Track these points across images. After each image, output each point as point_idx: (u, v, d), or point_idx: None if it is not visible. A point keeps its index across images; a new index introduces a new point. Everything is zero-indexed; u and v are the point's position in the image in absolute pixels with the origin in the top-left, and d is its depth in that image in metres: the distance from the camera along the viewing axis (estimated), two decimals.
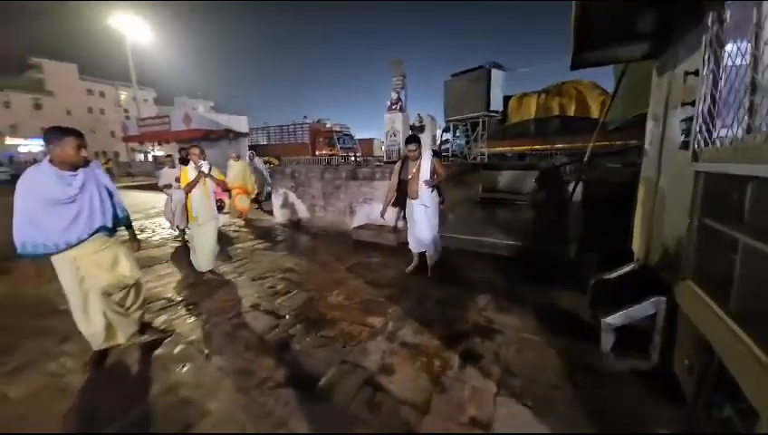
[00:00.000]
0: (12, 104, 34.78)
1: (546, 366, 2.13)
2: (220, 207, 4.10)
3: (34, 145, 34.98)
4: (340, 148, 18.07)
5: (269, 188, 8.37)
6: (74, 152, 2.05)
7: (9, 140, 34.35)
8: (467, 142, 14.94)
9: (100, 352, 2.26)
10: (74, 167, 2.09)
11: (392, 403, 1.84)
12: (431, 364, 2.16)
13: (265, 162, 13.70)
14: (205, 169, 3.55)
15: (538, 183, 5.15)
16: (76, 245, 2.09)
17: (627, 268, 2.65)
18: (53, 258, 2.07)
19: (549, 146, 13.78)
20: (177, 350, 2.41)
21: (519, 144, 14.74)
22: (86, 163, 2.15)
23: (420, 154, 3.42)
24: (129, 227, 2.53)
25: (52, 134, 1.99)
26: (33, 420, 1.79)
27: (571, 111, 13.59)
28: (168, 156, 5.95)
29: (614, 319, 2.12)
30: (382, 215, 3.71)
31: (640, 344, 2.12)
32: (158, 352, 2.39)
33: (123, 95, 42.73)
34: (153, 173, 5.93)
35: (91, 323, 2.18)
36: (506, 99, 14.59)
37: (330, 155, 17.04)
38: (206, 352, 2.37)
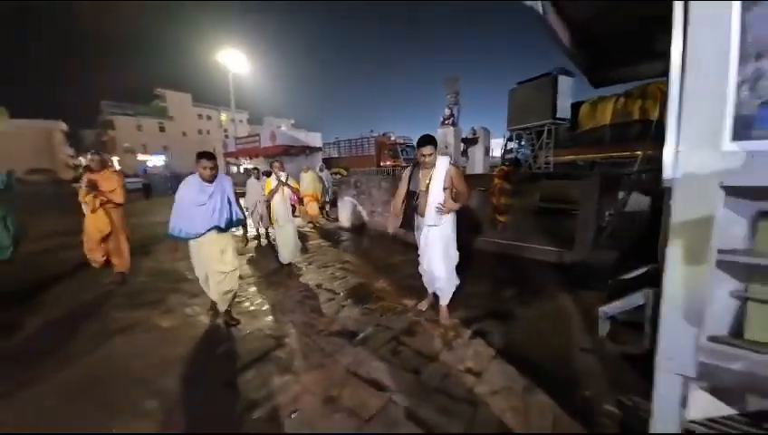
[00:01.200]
0: (143, 127, 43.45)
1: (546, 344, 2.51)
2: (293, 210, 4.63)
3: (158, 160, 43.06)
4: (403, 159, 18.96)
5: (332, 196, 9.54)
6: (206, 170, 2.76)
7: (141, 157, 42.90)
8: (533, 151, 14.63)
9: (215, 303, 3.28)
10: (210, 179, 2.82)
11: (410, 353, 2.45)
12: (446, 334, 2.71)
13: (334, 173, 15.20)
14: (283, 178, 4.24)
15: (596, 192, 4.96)
16: (201, 235, 2.81)
17: (644, 269, 2.84)
18: (189, 242, 2.88)
19: (628, 153, 12.84)
20: (264, 307, 3.34)
21: (591, 152, 13.93)
22: (215, 177, 2.85)
23: (435, 162, 2.72)
24: (243, 227, 3.38)
25: (198, 156, 2.79)
26: (176, 340, 2.79)
27: (655, 115, 12.53)
28: (255, 168, 7.27)
29: (608, 308, 2.42)
30: (390, 231, 3.06)
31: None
32: (252, 307, 3.35)
33: (224, 117, 50.21)
34: (243, 183, 7.29)
35: (209, 288, 3.10)
36: (576, 105, 13.97)
37: (393, 166, 18.01)
38: (282, 311, 3.26)
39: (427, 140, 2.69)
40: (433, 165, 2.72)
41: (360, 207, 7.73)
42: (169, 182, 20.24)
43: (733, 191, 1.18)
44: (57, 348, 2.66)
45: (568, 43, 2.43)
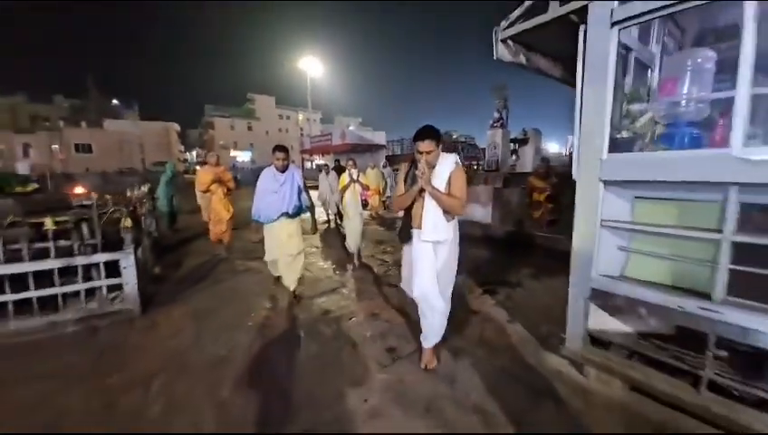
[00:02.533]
0: (235, 127, 49.91)
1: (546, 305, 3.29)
2: (365, 205, 4.93)
3: (246, 156, 49.20)
4: (464, 157, 19.33)
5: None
6: (279, 161, 3.05)
7: (232, 153, 49.45)
8: None
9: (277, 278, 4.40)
10: (282, 169, 3.10)
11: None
12: (462, 289, 3.62)
13: (395, 170, 16.40)
14: (354, 176, 4.67)
15: None
16: (274, 221, 3.15)
17: None
18: (264, 226, 3.25)
19: None
20: (334, 278, 4.60)
21: None
22: (286, 168, 3.17)
23: (435, 161, 2.09)
24: (311, 214, 3.51)
25: (273, 149, 3.14)
26: (245, 294, 4.12)
27: None
28: (325, 165, 8.63)
29: None
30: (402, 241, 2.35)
31: None
32: (321, 277, 4.64)
33: (300, 117, 55.07)
34: (316, 178, 8.78)
35: (275, 269, 3.63)
36: None
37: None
38: (344, 267, 4.48)
39: (425, 132, 2.03)
40: (433, 165, 2.07)
41: None
42: (254, 175, 23.56)
43: (607, 183, 1.97)
44: (207, 276, 4.22)
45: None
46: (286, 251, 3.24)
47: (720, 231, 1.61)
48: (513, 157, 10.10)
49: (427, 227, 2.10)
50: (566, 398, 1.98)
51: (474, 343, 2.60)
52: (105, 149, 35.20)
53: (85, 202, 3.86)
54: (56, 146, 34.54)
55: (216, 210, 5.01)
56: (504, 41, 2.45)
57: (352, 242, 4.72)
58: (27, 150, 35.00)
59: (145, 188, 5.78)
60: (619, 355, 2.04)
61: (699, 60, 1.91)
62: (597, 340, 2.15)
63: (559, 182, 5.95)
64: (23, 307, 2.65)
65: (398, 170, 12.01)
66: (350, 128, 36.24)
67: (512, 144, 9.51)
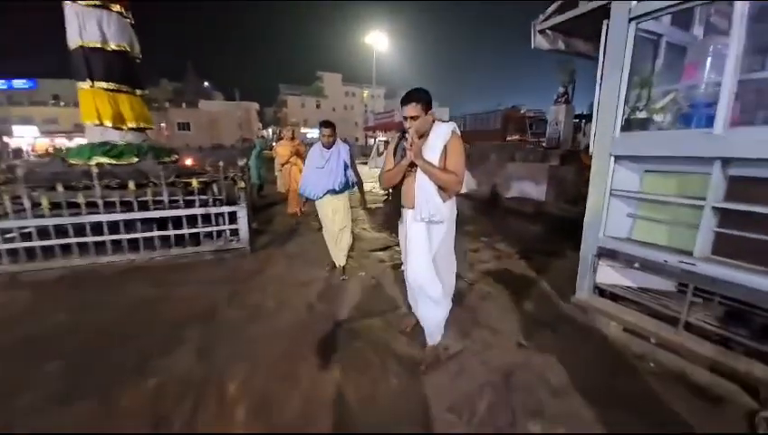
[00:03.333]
0: (305, 105, 52.93)
1: None
2: None
3: (314, 132, 52.20)
4: (531, 133, 18.32)
5: None
6: (325, 138, 3.01)
7: (303, 129, 52.84)
8: None
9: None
10: (328, 145, 3.06)
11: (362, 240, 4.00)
12: (501, 255, 4.10)
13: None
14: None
15: None
16: (321, 197, 3.18)
17: None
18: (315, 202, 3.27)
19: None
20: (388, 239, 5.37)
21: None
22: (332, 144, 3.11)
23: (428, 129, 1.88)
24: (360, 189, 3.41)
25: (320, 125, 3.16)
26: (321, 245, 5.02)
27: None
28: (386, 141, 9.26)
29: None
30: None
31: None
32: (377, 237, 5.42)
33: (365, 93, 56.11)
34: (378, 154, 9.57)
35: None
36: None
37: (519, 140, 17.76)
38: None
39: (409, 94, 1.84)
40: (423, 134, 1.88)
41: (469, 177, 9.03)
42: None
43: (619, 158, 2.31)
44: (291, 232, 5.28)
45: None
46: (331, 226, 3.33)
47: (704, 199, 1.93)
48: (581, 134, 9.60)
49: (420, 204, 1.86)
50: (567, 332, 2.47)
51: (499, 290, 3.15)
52: (200, 127, 40.49)
53: (200, 170, 5.12)
54: (163, 124, 40.67)
55: (297, 180, 5.17)
56: (541, 31, 2.79)
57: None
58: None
59: (244, 162, 7.15)
60: (619, 304, 2.44)
61: (719, 46, 2.11)
62: (604, 292, 2.57)
63: None
64: (178, 240, 3.88)
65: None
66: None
67: (576, 120, 9.06)
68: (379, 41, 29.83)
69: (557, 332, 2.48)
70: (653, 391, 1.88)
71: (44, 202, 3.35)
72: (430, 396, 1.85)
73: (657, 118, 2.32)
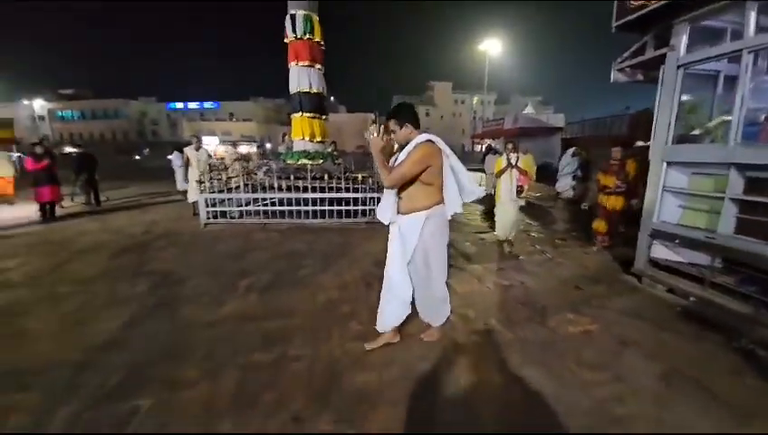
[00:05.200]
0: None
1: None
2: (519, 192, 4.60)
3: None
4: None
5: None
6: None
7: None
8: None
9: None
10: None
11: (488, 244, 4.94)
12: (543, 240, 4.92)
13: (573, 154, 15.91)
14: (513, 161, 4.44)
15: None
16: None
17: None
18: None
19: None
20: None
21: None
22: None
23: (408, 140, 2.05)
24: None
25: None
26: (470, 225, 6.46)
27: None
28: (489, 146, 10.08)
29: None
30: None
31: None
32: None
33: (475, 100, 56.10)
34: (481, 160, 10.53)
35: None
36: None
37: (646, 146, 16.06)
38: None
39: (390, 112, 2.07)
40: (403, 145, 2.06)
41: (572, 183, 9.36)
42: None
43: (670, 163, 3.17)
44: None
45: None
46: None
47: (723, 193, 2.73)
48: None
49: (380, 203, 2.17)
50: (624, 290, 3.39)
51: (577, 267, 4.14)
52: (329, 135, 47.40)
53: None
54: None
55: None
56: (620, 70, 3.74)
57: (500, 228, 4.66)
58: (284, 137, 51.52)
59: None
60: (666, 273, 3.26)
61: (759, 81, 2.83)
62: (656, 264, 3.39)
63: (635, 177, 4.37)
64: (347, 214, 5.97)
65: (580, 154, 11.82)
66: (527, 108, 34.78)
67: None
68: (492, 46, 30.06)
69: (611, 287, 3.43)
70: (673, 323, 2.78)
71: (282, 185, 5.82)
72: (518, 296, 3.15)
73: (710, 135, 3.10)
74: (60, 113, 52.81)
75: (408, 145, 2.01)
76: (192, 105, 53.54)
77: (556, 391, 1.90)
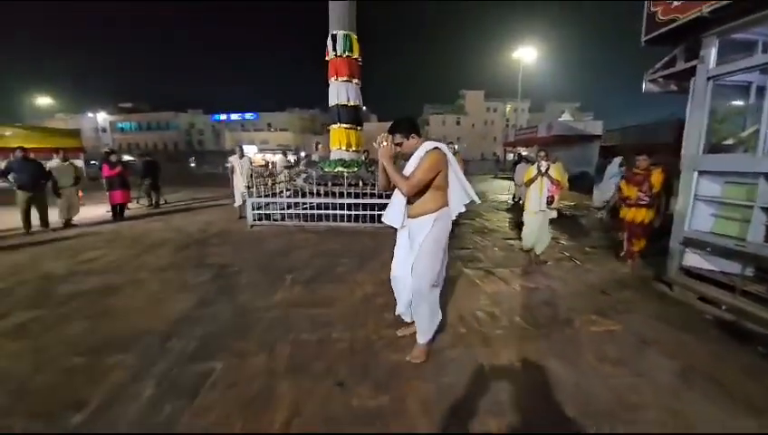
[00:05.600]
0: (446, 122, 55.99)
1: None
2: (549, 202, 4.29)
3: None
4: None
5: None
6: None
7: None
8: None
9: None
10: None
11: (495, 232, 4.97)
12: (573, 248, 4.90)
13: (621, 165, 15.33)
14: (543, 169, 4.24)
15: None
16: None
17: None
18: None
19: None
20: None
21: None
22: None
23: (417, 147, 2.16)
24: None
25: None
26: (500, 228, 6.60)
27: None
28: (519, 154, 10.10)
29: None
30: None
31: None
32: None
33: (508, 108, 55.16)
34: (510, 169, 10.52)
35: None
36: None
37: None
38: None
39: (391, 126, 2.18)
40: (409, 155, 2.17)
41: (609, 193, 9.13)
42: (461, 165, 27.18)
43: (702, 172, 3.21)
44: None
45: None
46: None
47: (754, 201, 2.76)
48: None
49: (387, 209, 2.29)
50: (652, 297, 3.42)
51: (606, 274, 4.18)
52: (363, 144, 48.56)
53: None
54: None
55: None
56: (651, 80, 3.81)
57: (526, 239, 4.50)
58: (317, 146, 53.52)
59: None
60: (697, 281, 3.27)
61: None
62: (688, 272, 3.40)
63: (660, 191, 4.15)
64: (374, 219, 6.31)
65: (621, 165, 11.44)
66: (564, 115, 33.61)
67: None
68: (526, 53, 29.63)
69: (640, 293, 3.48)
70: (699, 326, 2.82)
71: (321, 190, 6.30)
72: (539, 293, 3.31)
73: (744, 144, 3.12)
74: (120, 125, 58.26)
75: (417, 153, 2.11)
76: (234, 117, 56.98)
77: (576, 379, 2.08)
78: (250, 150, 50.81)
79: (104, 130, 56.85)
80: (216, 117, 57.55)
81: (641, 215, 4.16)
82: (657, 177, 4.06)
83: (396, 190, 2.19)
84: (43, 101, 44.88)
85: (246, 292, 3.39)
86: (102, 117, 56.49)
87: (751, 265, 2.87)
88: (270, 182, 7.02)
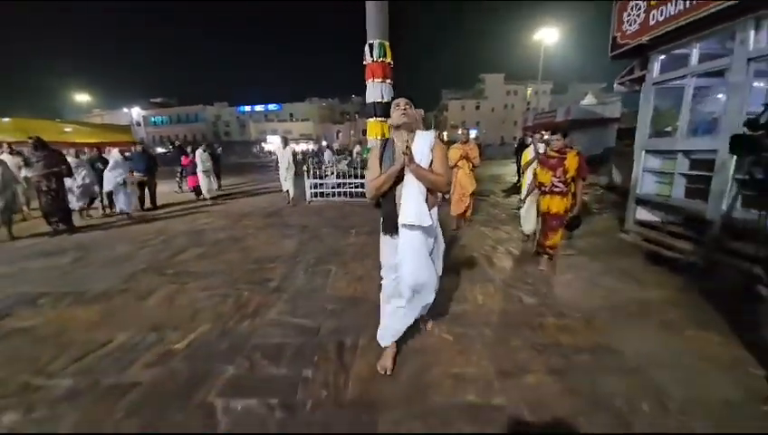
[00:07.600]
0: (465, 107, 56.11)
1: None
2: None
3: (473, 133, 54.74)
4: None
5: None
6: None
7: (460, 131, 56.29)
8: None
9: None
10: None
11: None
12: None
13: (627, 145, 16.02)
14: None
15: None
16: None
17: None
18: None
19: None
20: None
21: None
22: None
23: (413, 128, 2.01)
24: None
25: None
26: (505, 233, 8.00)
27: None
28: (521, 140, 11.33)
29: None
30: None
31: None
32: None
33: (528, 90, 54.50)
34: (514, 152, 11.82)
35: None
36: None
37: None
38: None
39: (397, 97, 2.10)
40: (411, 131, 1.99)
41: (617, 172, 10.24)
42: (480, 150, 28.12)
43: (648, 151, 4.55)
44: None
45: None
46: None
47: (674, 170, 4.11)
48: None
49: (411, 210, 1.88)
50: (615, 243, 4.79)
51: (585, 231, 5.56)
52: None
53: None
54: (352, 131, 52.11)
55: (462, 184, 5.24)
56: (620, 83, 5.09)
57: (525, 223, 4.53)
58: (338, 134, 55.20)
59: None
60: (645, 229, 4.63)
61: (706, 91, 4.12)
62: (641, 223, 4.75)
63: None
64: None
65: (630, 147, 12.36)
66: (587, 97, 33.29)
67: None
68: (547, 35, 29.46)
69: (604, 238, 4.87)
70: (640, 258, 4.21)
71: (359, 173, 7.88)
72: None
73: (676, 132, 4.43)
74: (152, 119, 61.82)
75: (420, 143, 1.95)
76: (258, 108, 59.31)
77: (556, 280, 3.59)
78: (275, 140, 53.14)
79: (139, 124, 60.51)
80: (242, 109, 60.01)
81: (555, 204, 3.53)
82: (571, 160, 3.42)
83: (406, 190, 1.91)
84: (82, 98, 48.29)
85: (328, 239, 5.05)
86: (137, 112, 60.10)
87: (677, 215, 4.22)
88: (323, 167, 8.66)
